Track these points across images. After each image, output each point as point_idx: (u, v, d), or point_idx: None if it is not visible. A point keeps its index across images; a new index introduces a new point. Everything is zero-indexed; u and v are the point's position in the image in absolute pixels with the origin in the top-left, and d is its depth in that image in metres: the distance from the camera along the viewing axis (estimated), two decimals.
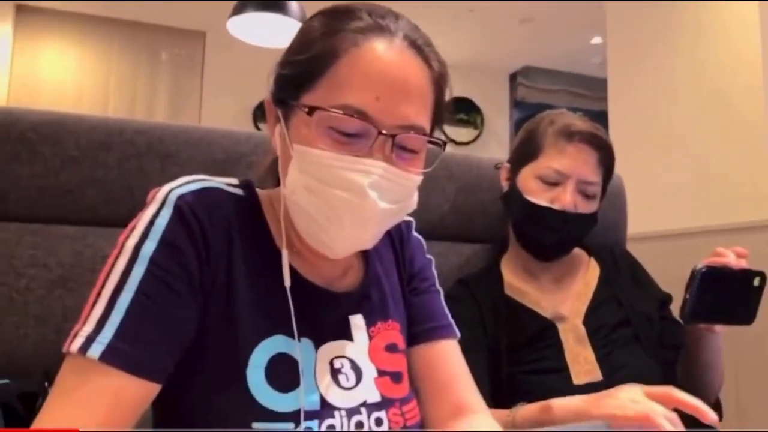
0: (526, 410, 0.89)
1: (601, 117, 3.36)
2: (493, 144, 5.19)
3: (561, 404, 0.85)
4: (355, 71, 0.63)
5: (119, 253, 0.62)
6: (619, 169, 1.53)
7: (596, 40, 4.56)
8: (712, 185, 2.31)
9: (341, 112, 0.63)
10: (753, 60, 2.17)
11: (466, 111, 5.10)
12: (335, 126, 0.64)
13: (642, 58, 2.74)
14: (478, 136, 5.16)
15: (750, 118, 2.17)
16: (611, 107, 2.97)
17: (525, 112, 5.05)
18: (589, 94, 5.19)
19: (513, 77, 5.30)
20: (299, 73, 0.67)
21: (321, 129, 0.64)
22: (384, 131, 0.63)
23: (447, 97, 0.72)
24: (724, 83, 2.30)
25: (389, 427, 0.70)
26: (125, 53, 4.39)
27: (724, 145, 2.27)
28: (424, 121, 0.67)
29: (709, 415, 0.67)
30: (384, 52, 0.64)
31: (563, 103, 5.07)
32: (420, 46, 0.66)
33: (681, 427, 0.67)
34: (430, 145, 0.70)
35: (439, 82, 0.69)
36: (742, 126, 2.20)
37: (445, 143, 0.71)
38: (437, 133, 0.72)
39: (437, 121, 0.72)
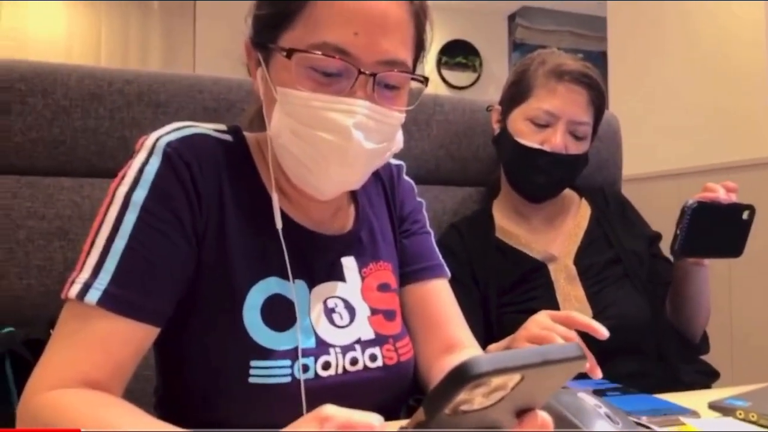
0: None
1: (602, 58, 3.29)
2: (493, 87, 5.09)
3: (494, 347, 0.90)
4: (332, 7, 0.62)
5: (111, 202, 0.63)
6: (618, 109, 1.52)
7: None
8: (709, 125, 2.29)
9: (320, 52, 0.62)
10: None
11: (464, 54, 4.99)
12: (315, 66, 0.63)
13: None
14: (477, 80, 5.06)
15: (749, 58, 2.14)
16: (610, 46, 2.91)
17: (525, 54, 4.90)
18: (591, 34, 5.05)
19: (511, 18, 5.16)
20: (275, 14, 0.66)
21: (301, 70, 0.63)
22: (365, 70, 0.63)
23: (428, 31, 0.70)
24: (724, 23, 2.25)
25: (383, 363, 0.72)
26: (114, 2, 4.28)
27: (722, 86, 2.24)
28: (406, 55, 0.66)
29: (600, 330, 0.71)
30: None
31: (564, 44, 4.94)
32: None
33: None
34: (413, 82, 0.69)
35: (419, 14, 0.68)
36: (741, 66, 2.17)
37: (427, 79, 0.70)
38: (420, 69, 0.70)
39: (419, 55, 0.70)
